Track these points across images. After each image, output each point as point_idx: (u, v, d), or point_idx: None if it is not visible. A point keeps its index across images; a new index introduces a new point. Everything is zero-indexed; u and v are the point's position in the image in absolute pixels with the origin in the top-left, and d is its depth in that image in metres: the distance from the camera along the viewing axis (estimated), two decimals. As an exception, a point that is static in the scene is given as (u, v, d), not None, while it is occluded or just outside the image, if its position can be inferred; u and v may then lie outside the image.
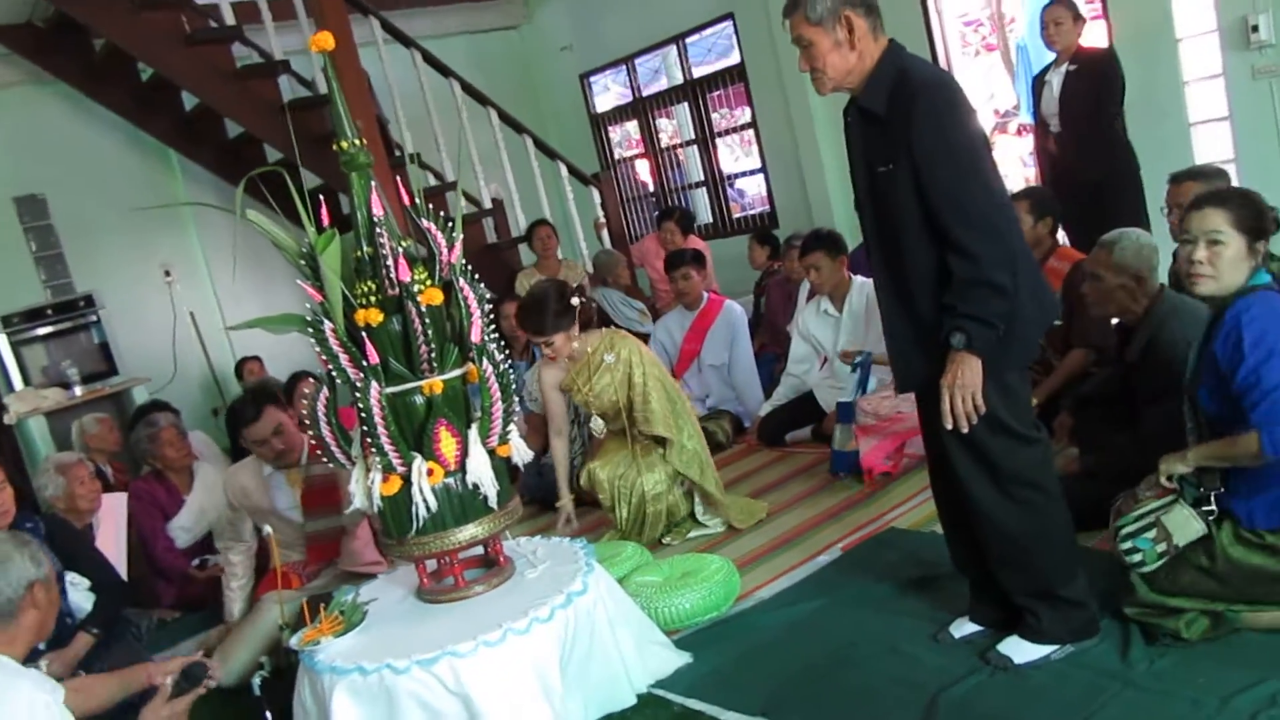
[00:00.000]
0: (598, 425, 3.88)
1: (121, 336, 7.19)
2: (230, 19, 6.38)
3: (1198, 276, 2.25)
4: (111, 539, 4.19)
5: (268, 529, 3.08)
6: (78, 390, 6.67)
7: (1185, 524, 2.26)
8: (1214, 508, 2.26)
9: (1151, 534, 2.29)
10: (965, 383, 2.20)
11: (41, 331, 6.91)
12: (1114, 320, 3.21)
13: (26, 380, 6.78)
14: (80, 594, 3.52)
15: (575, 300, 3.74)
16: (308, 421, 2.62)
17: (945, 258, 2.21)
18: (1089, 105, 4.83)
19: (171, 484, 4.60)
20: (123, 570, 4.06)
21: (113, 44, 6.27)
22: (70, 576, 3.51)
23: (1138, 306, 2.95)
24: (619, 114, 9.41)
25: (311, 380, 4.66)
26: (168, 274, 7.78)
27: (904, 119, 2.20)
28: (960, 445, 2.31)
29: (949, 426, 2.26)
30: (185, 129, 7.28)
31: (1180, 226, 2.31)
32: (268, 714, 2.71)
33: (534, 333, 3.76)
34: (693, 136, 8.76)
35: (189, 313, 7.71)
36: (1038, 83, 5.22)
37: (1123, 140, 4.85)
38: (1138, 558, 2.31)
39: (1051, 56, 5.13)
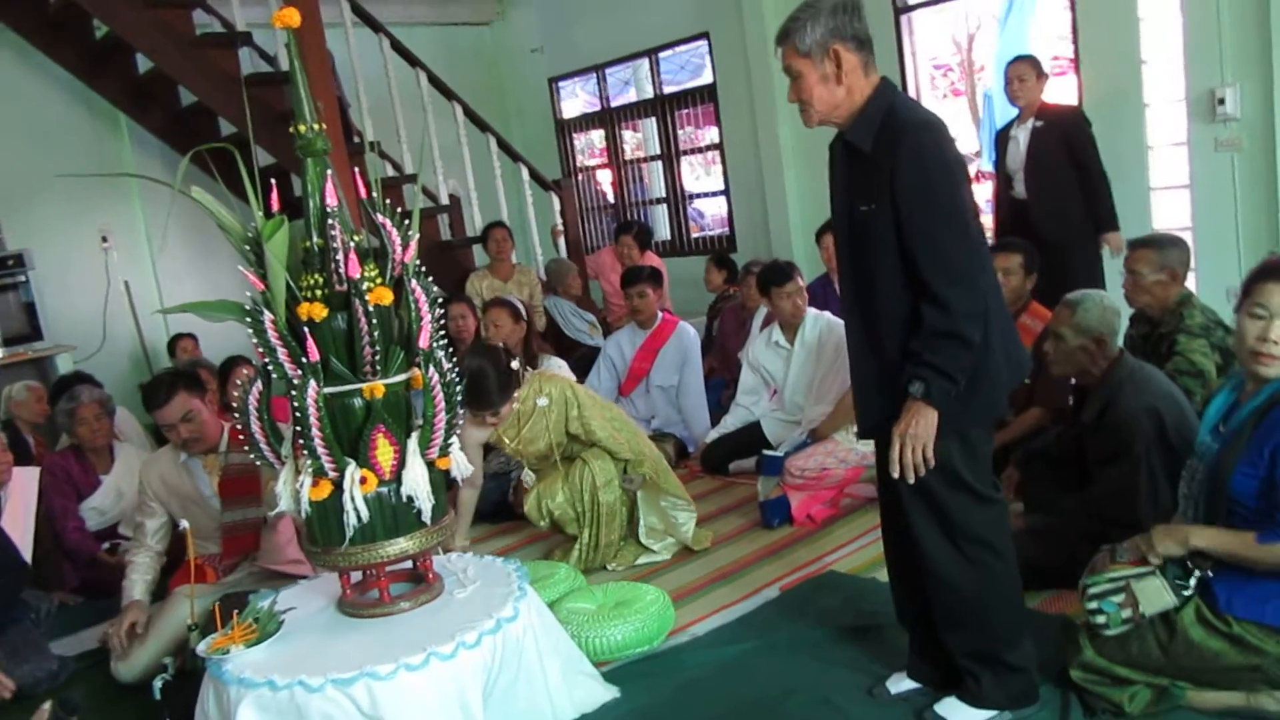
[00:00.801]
0: (529, 478, 3.82)
1: (50, 300, 6.91)
2: (194, -17, 6.18)
3: (1268, 358, 2.08)
4: (19, 515, 3.96)
5: (184, 523, 2.92)
6: (-2, 351, 6.39)
7: (1156, 595, 2.17)
8: (1191, 588, 2.17)
9: (1119, 598, 2.21)
10: (918, 433, 2.15)
11: (-35, 286, 6.62)
12: (1071, 380, 3.20)
13: (-56, 336, 6.49)
14: (-23, 573, 3.32)
15: (514, 364, 3.59)
16: (238, 413, 2.48)
17: (918, 303, 2.16)
18: (1057, 160, 4.85)
19: (88, 462, 4.39)
20: (27, 549, 3.84)
21: (68, -3, 6.03)
22: (-33, 554, 3.32)
23: (1096, 369, 2.92)
24: (585, 122, 9.32)
25: (246, 370, 4.47)
26: (105, 240, 7.49)
27: (889, 158, 2.14)
28: (916, 497, 2.25)
29: (895, 475, 2.21)
30: (137, 92, 7.03)
31: (1246, 298, 2.15)
32: (167, 720, 2.56)
33: (483, 409, 3.45)
34: (658, 152, 8.70)
35: (124, 282, 7.44)
36: (1002, 137, 5.24)
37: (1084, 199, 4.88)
38: (1101, 619, 2.24)
39: (1015, 111, 5.15)
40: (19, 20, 6.64)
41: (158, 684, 2.62)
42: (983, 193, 8.95)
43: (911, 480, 2.19)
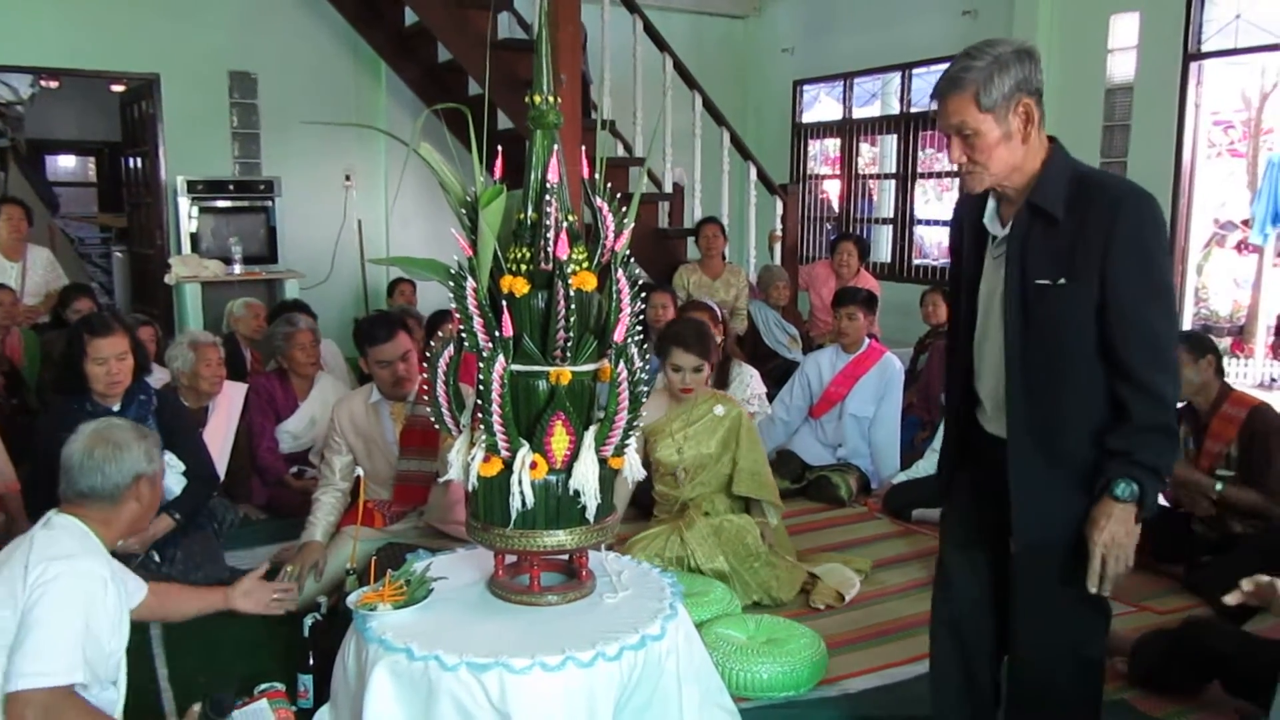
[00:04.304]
0: (681, 477, 3.71)
1: (289, 228, 7.36)
2: (468, -54, 6.36)
3: None
4: (221, 427, 4.20)
5: (360, 470, 2.96)
6: (237, 268, 6.86)
7: None
8: None
9: None
10: (1121, 540, 1.93)
11: (220, 204, 7.14)
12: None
13: (194, 247, 7.02)
14: (173, 476, 3.51)
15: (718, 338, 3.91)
16: (427, 370, 2.47)
17: (1117, 393, 1.94)
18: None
19: (291, 386, 4.60)
20: (223, 461, 4.06)
21: (354, -54, 6.36)
22: (168, 456, 3.50)
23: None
24: (823, 129, 9.09)
25: (450, 327, 4.55)
26: (348, 179, 7.91)
27: (1100, 229, 1.89)
28: (1049, 610, 2.09)
29: (1093, 590, 1.96)
30: (400, 45, 7.36)
31: None
32: (311, 659, 2.60)
33: (699, 356, 3.62)
34: (893, 170, 8.37)
35: (357, 220, 7.82)
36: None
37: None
38: None
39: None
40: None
41: (308, 622, 2.66)
42: (1242, 266, 8.14)
43: (1108, 593, 1.97)
